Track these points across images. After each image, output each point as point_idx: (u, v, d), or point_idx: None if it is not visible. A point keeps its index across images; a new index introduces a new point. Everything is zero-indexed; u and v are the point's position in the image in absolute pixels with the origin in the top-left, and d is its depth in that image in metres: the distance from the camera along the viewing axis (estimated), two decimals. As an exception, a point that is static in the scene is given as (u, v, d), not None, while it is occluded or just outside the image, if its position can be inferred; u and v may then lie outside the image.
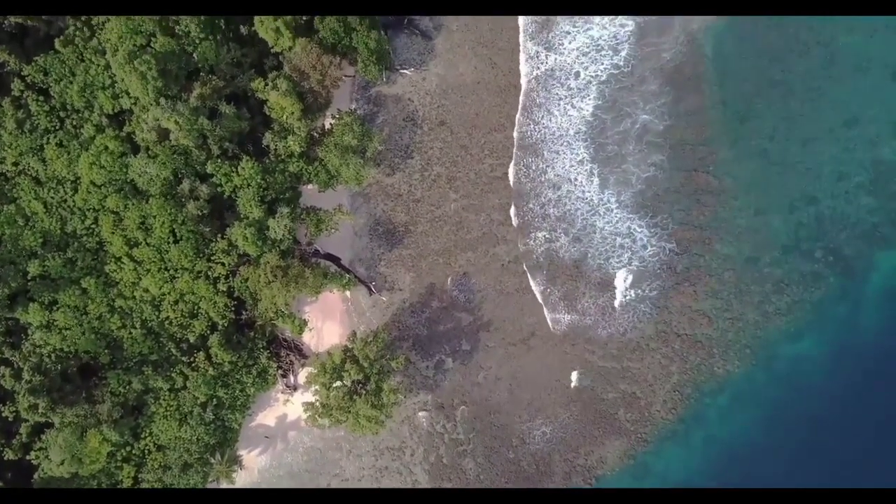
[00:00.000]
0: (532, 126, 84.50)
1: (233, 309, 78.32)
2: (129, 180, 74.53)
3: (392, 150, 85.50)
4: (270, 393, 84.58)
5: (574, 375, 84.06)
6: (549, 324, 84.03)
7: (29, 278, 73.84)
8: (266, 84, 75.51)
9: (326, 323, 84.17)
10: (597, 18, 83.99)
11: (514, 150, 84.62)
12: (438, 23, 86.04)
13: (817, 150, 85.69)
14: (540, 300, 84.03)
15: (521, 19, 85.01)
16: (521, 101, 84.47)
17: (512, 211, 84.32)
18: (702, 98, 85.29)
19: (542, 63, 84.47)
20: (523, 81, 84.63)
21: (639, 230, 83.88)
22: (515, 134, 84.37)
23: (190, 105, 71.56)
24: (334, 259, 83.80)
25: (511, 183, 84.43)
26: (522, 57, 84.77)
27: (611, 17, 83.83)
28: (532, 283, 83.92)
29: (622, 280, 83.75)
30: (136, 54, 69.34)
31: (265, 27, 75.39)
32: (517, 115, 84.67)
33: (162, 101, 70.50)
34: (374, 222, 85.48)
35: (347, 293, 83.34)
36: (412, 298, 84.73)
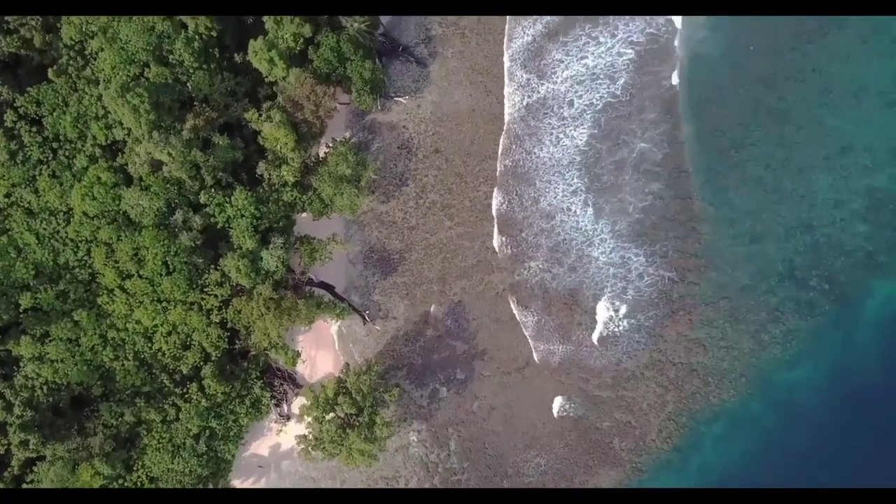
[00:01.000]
0: (524, 155, 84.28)
1: (226, 339, 77.96)
2: (121, 211, 74.20)
3: (387, 177, 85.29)
4: (264, 422, 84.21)
5: (557, 401, 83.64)
6: (535, 356, 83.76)
7: (21, 311, 73.46)
8: (260, 115, 75.28)
9: (320, 352, 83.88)
10: (592, 47, 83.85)
11: (498, 180, 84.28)
12: (433, 50, 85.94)
13: (813, 177, 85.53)
14: (526, 333, 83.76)
15: (510, 47, 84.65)
16: (506, 129, 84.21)
17: (496, 241, 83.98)
18: (697, 125, 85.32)
19: (533, 91, 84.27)
20: (509, 111, 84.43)
21: (634, 259, 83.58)
22: (498, 165, 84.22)
23: (183, 138, 71.32)
24: (328, 287, 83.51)
25: (494, 212, 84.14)
26: (509, 87, 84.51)
27: (608, 46, 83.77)
28: (518, 313, 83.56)
29: (617, 310, 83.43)
30: (128, 87, 69.09)
31: (259, 58, 75.25)
32: (500, 144, 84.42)
33: (155, 134, 70.22)
34: (368, 250, 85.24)
35: (341, 322, 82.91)
36: (406, 327, 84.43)
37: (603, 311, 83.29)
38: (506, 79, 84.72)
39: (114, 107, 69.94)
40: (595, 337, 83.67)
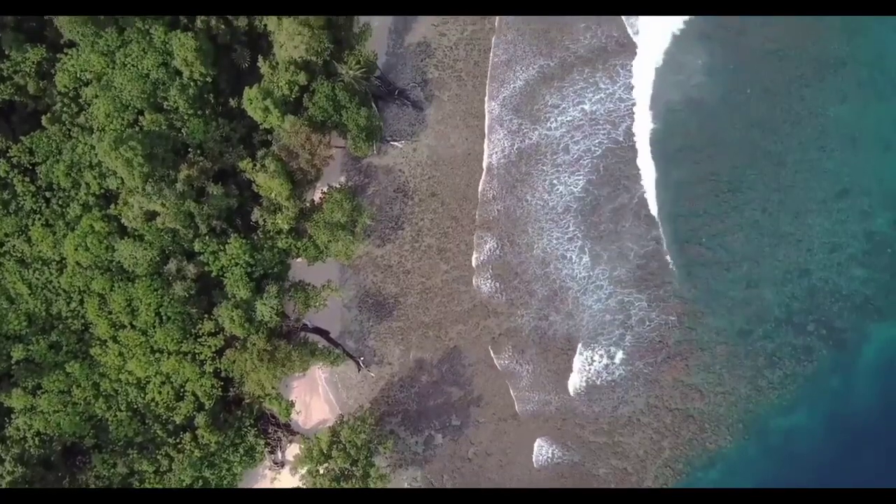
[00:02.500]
0: (515, 201, 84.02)
1: (220, 387, 77.42)
2: (115, 262, 73.70)
3: (383, 220, 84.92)
4: (258, 469, 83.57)
5: (553, 448, 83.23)
6: (519, 406, 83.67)
7: (13, 362, 72.91)
8: (254, 165, 74.93)
9: (314, 397, 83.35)
10: (590, 93, 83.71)
11: (487, 225, 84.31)
12: (429, 93, 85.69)
13: (810, 221, 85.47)
14: (509, 384, 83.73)
15: (501, 92, 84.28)
16: (496, 175, 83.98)
17: (484, 287, 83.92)
18: (694, 169, 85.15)
19: (525, 137, 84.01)
20: (497, 157, 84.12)
21: (630, 305, 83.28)
22: (477, 213, 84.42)
23: (177, 189, 70.94)
24: (323, 333, 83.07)
25: (481, 259, 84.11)
26: (499, 132, 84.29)
27: (608, 91, 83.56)
28: (508, 363, 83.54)
29: (612, 356, 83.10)
30: (121, 140, 68.66)
31: (253, 106, 74.90)
32: (482, 189, 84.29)
33: (148, 187, 69.85)
34: (363, 294, 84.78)
35: (336, 368, 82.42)
36: (401, 372, 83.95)
37: (598, 357, 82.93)
38: (487, 122, 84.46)
39: (107, 160, 69.53)
40: (590, 383, 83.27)
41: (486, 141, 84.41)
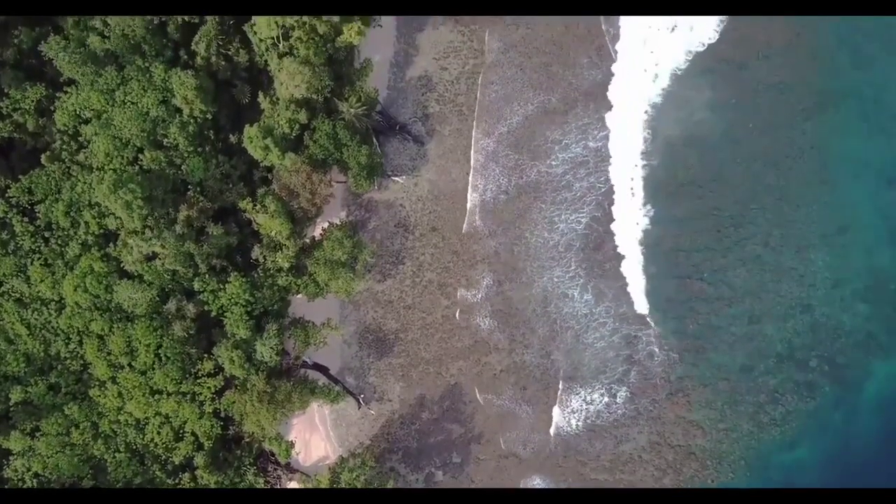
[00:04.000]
0: (507, 241, 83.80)
1: (220, 427, 76.90)
2: (114, 302, 73.22)
3: (383, 255, 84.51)
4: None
5: (555, 486, 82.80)
6: (518, 442, 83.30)
7: (11, 404, 72.43)
8: (255, 206, 74.53)
9: (314, 435, 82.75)
10: (593, 129, 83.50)
11: (476, 265, 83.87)
12: (430, 127, 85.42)
13: (812, 256, 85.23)
14: (510, 423, 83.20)
15: (497, 129, 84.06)
16: (491, 211, 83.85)
17: (475, 319, 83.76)
18: (697, 204, 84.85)
19: (524, 174, 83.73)
20: (483, 194, 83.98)
21: (633, 342, 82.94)
22: (473, 249, 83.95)
23: (176, 232, 70.52)
24: (323, 369, 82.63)
25: (473, 297, 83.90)
26: (496, 168, 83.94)
27: (613, 127, 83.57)
28: (496, 399, 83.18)
29: (615, 394, 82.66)
30: (121, 183, 68.24)
31: (254, 145, 74.54)
32: (472, 225, 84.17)
33: (147, 232, 69.50)
34: (363, 330, 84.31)
35: (336, 406, 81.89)
36: (402, 409, 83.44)
37: (599, 395, 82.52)
38: (477, 159, 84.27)
39: (107, 202, 69.16)
40: (591, 420, 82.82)
41: (471, 177, 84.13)
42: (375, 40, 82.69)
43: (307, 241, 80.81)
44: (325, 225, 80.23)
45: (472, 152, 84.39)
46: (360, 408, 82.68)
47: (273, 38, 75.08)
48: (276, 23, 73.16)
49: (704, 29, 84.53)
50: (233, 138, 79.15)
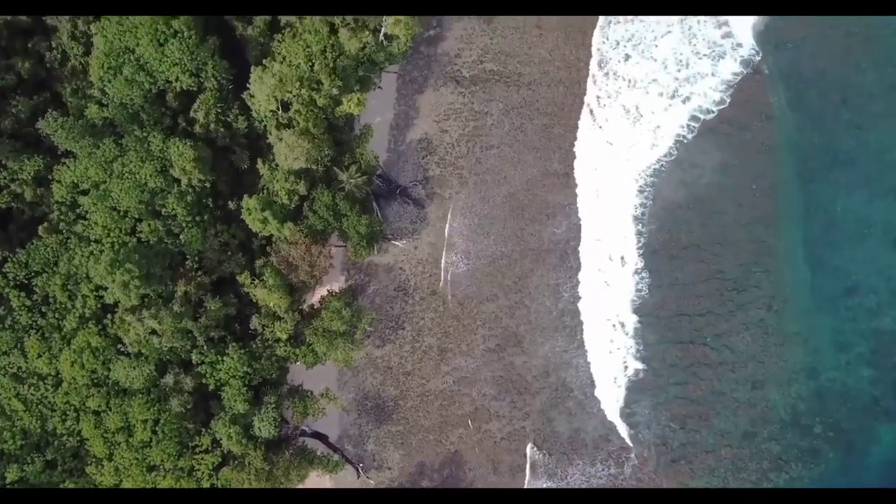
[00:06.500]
0: (515, 306, 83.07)
1: None
2: (111, 378, 72.65)
3: (383, 320, 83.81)
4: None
5: None
6: None
7: (7, 482, 71.90)
8: (253, 280, 73.92)
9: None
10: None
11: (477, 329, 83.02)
12: (431, 191, 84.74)
13: (816, 319, 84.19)
14: None
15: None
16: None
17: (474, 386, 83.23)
18: (699, 268, 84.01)
19: (524, 238, 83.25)
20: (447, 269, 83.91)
21: (635, 409, 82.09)
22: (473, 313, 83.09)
23: (173, 311, 69.97)
24: (321, 437, 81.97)
25: (472, 362, 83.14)
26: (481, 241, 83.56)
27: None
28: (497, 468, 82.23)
29: (619, 460, 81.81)
30: (118, 263, 67.70)
31: (252, 217, 73.95)
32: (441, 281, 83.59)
33: (144, 312, 68.96)
34: (362, 397, 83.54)
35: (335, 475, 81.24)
36: (401, 478, 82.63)
37: (602, 464, 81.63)
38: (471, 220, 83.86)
39: (104, 282, 68.65)
40: (596, 485, 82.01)
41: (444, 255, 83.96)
42: (375, 102, 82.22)
43: (306, 308, 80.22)
44: (325, 292, 79.61)
45: (471, 216, 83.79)
46: (359, 477, 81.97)
47: (272, 110, 74.58)
48: (275, 97, 72.65)
49: (707, 95, 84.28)
50: (231, 205, 78.59)
